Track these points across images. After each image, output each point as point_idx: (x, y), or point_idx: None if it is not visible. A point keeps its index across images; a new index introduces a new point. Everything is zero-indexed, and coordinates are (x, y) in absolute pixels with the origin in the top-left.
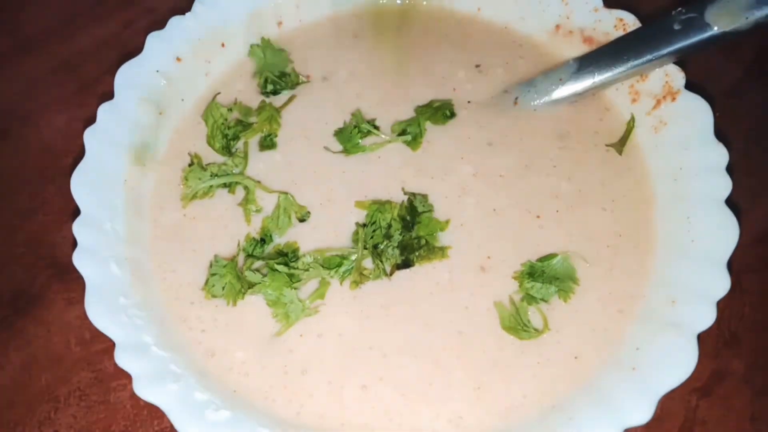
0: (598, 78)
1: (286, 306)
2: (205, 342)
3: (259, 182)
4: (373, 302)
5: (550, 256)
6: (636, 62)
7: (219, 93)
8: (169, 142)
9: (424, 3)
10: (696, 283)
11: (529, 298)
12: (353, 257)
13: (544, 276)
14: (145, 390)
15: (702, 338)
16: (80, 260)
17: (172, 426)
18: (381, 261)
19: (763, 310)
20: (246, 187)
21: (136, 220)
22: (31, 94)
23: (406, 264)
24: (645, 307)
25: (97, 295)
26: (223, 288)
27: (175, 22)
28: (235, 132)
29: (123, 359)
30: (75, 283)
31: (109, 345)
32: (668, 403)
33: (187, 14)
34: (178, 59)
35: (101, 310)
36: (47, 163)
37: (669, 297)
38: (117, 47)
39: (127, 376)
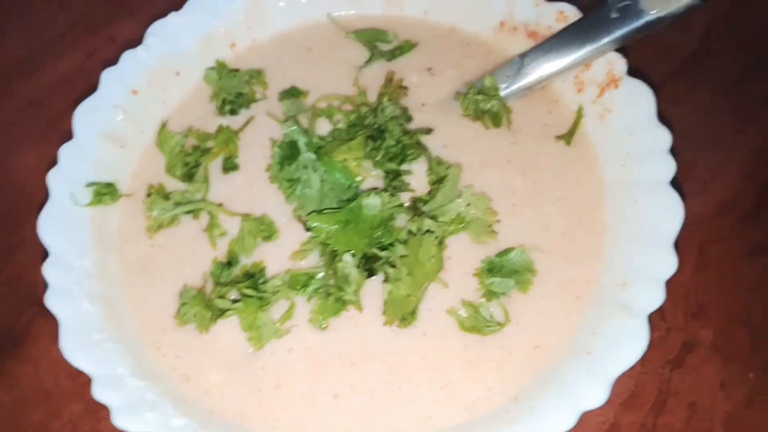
0: (543, 72)
1: (260, 329)
2: (180, 367)
3: (221, 206)
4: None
5: (508, 251)
6: (578, 54)
7: (167, 121)
8: (132, 175)
9: (375, 13)
10: (644, 265)
11: (490, 294)
12: (320, 276)
13: (503, 270)
14: (123, 420)
15: (670, 312)
16: (52, 301)
17: None
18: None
19: (728, 278)
20: (209, 212)
21: (105, 255)
22: None
23: (370, 273)
24: (599, 291)
25: (72, 333)
26: (195, 316)
27: (127, 55)
28: (195, 158)
29: (100, 392)
30: None
31: None
32: (642, 378)
33: (139, 47)
34: (134, 92)
35: (76, 347)
36: (21, 202)
37: (620, 280)
38: (81, 79)
39: None
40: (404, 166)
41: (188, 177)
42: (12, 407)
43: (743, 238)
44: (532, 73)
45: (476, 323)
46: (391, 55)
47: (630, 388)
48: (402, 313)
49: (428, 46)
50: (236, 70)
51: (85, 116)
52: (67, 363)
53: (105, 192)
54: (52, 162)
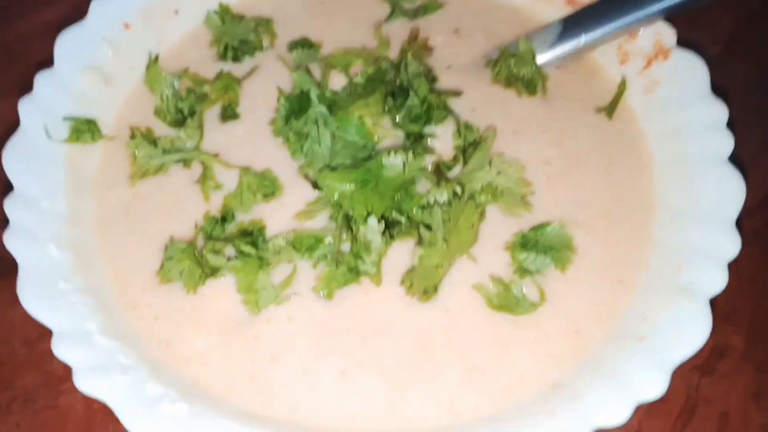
0: (584, 39)
1: (258, 292)
2: (159, 331)
3: (217, 156)
4: None
5: (544, 225)
6: (624, 21)
7: (158, 56)
8: (117, 116)
9: None
10: (703, 246)
11: (523, 271)
12: (328, 240)
13: (538, 246)
14: (86, 383)
15: None
16: (12, 241)
17: None
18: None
19: (760, 283)
20: (203, 162)
21: (79, 199)
22: None
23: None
24: (649, 274)
25: (32, 278)
26: (181, 273)
27: None
28: (189, 104)
29: (61, 348)
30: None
31: None
32: (670, 383)
33: None
34: (127, 26)
35: (36, 295)
36: None
37: (675, 263)
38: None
39: None
40: (428, 129)
41: (179, 123)
42: None
43: None
44: (572, 40)
45: (507, 301)
46: (414, 13)
47: None
48: (426, 284)
49: (455, 7)
50: (241, 17)
51: (68, 45)
52: (23, 329)
53: (84, 129)
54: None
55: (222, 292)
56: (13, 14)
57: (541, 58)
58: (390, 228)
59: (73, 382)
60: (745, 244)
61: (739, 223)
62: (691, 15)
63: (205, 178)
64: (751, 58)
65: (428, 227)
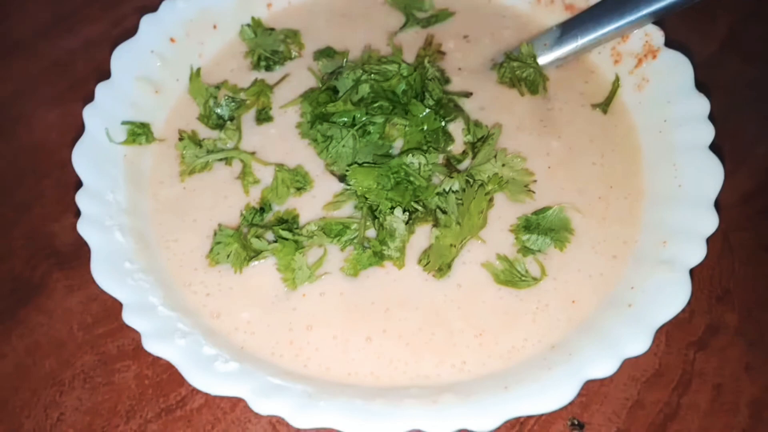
0: (580, 41)
1: (295, 272)
2: (210, 305)
3: (254, 154)
4: None
5: (545, 209)
6: (616, 24)
7: (200, 68)
8: (166, 121)
9: None
10: (685, 223)
11: (525, 250)
12: (354, 227)
13: (540, 228)
14: (154, 345)
15: (695, 295)
16: (84, 228)
17: (177, 402)
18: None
19: (752, 265)
20: (242, 160)
21: (137, 193)
22: (22, 93)
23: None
24: (637, 250)
25: (103, 259)
26: (228, 256)
27: (167, 4)
28: (229, 110)
29: (131, 318)
30: (75, 271)
31: (111, 327)
32: (666, 358)
33: None
34: (172, 40)
35: (107, 273)
36: (42, 158)
37: (660, 239)
38: (107, 46)
39: (131, 357)
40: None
41: (220, 126)
42: (24, 354)
43: (767, 228)
44: (570, 43)
45: (511, 277)
46: (427, 22)
47: (654, 367)
48: (441, 262)
49: (464, 15)
50: (272, 29)
51: (122, 58)
52: (81, 315)
53: (140, 132)
54: (73, 121)
55: (264, 271)
56: (62, 30)
57: (542, 60)
58: (410, 216)
59: (143, 345)
60: (739, 229)
61: (734, 210)
62: (688, 15)
63: (244, 174)
64: (747, 56)
65: (444, 212)
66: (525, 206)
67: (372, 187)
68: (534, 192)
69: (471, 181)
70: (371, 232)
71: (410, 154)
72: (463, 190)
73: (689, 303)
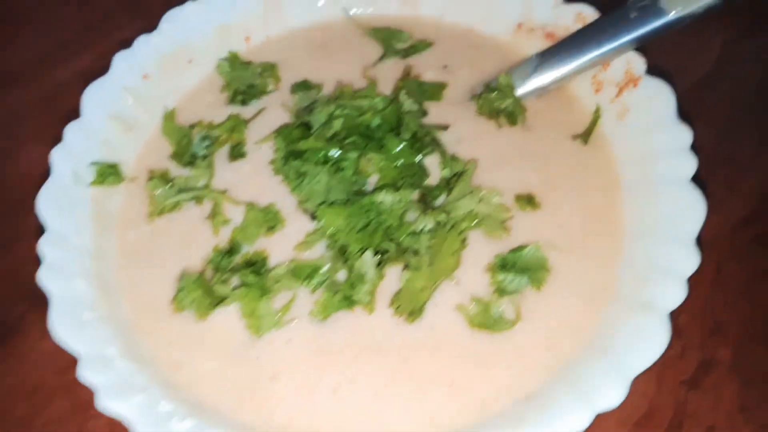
0: (560, 71)
1: (260, 318)
2: (172, 354)
3: (225, 193)
4: None
5: (521, 248)
6: (596, 53)
7: (174, 109)
8: (138, 159)
9: (391, 12)
10: (665, 262)
11: (501, 291)
12: (325, 268)
13: (516, 267)
14: (107, 402)
15: (687, 329)
16: (46, 276)
17: None
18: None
19: (745, 297)
20: (213, 199)
21: (104, 235)
22: (10, 127)
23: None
24: (616, 290)
25: (62, 309)
26: (192, 302)
27: (142, 40)
28: (202, 148)
29: (85, 372)
30: None
31: None
32: (657, 397)
33: (154, 32)
34: (146, 77)
35: (65, 325)
36: (26, 193)
37: (639, 278)
38: (94, 78)
39: None
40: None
41: (193, 164)
42: None
43: (761, 257)
44: (549, 72)
45: (486, 320)
46: (406, 53)
47: (643, 408)
48: (413, 306)
49: (444, 45)
50: (249, 63)
51: (94, 96)
52: (55, 358)
53: (109, 172)
54: None
55: (228, 318)
56: (49, 65)
57: (521, 90)
58: (382, 256)
59: (96, 403)
60: (732, 259)
61: (727, 239)
62: (679, 35)
63: (214, 214)
64: (741, 78)
65: (415, 253)
66: (502, 244)
67: (342, 227)
68: (511, 228)
69: (444, 220)
70: (343, 274)
71: (383, 192)
72: (432, 232)
73: (681, 338)
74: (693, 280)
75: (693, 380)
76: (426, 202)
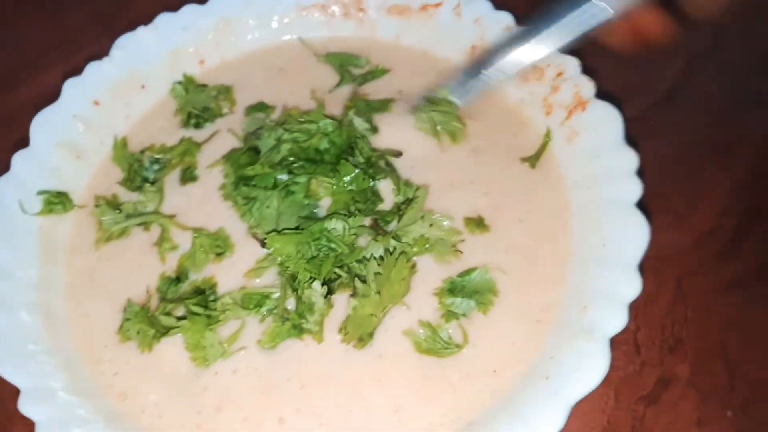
0: (495, 75)
1: (205, 350)
2: (118, 385)
3: (173, 218)
4: None
5: (469, 271)
6: (524, 47)
7: (124, 137)
8: (88, 186)
9: (347, 35)
10: (607, 288)
11: (449, 315)
12: (275, 296)
13: (465, 291)
14: None
15: (646, 345)
16: None
17: None
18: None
19: (705, 313)
20: (161, 225)
21: (50, 265)
22: None
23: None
24: (560, 315)
25: (5, 343)
26: (137, 333)
27: (93, 66)
28: (153, 172)
29: (26, 406)
30: None
31: None
32: (615, 413)
33: (105, 58)
34: (97, 103)
35: (7, 358)
36: None
37: (581, 303)
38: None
39: None
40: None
41: (142, 188)
42: None
43: (720, 272)
44: (479, 77)
45: (433, 345)
46: (363, 79)
47: (602, 424)
48: (361, 332)
49: (400, 71)
50: (204, 86)
51: (43, 124)
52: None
53: (56, 201)
54: None
55: (175, 348)
56: (12, 83)
57: (459, 98)
58: (331, 284)
59: None
60: (692, 274)
61: (688, 254)
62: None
63: (162, 240)
64: (703, 94)
65: (363, 280)
66: (452, 268)
67: (292, 255)
68: (461, 252)
69: (393, 246)
70: (292, 302)
71: (334, 218)
72: (379, 259)
73: (639, 354)
74: (653, 296)
75: (651, 396)
76: (377, 228)
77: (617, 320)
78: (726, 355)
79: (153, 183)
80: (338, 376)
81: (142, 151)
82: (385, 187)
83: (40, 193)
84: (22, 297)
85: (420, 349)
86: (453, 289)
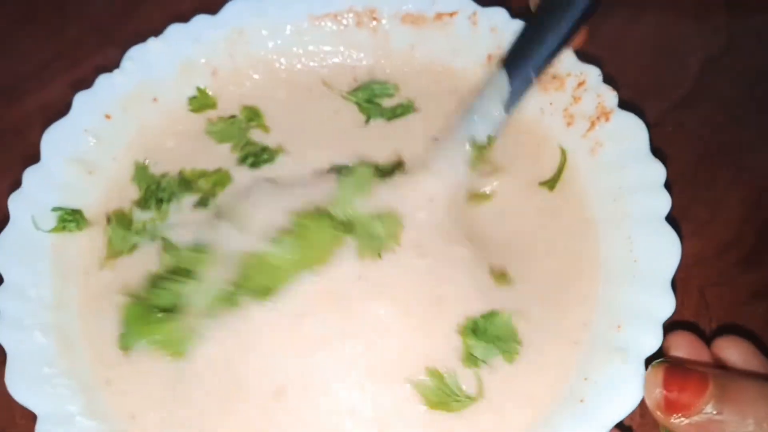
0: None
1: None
2: (127, 404)
3: None
4: None
5: (493, 314)
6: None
7: (145, 160)
8: (99, 203)
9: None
10: (640, 305)
11: (471, 359)
12: None
13: (487, 335)
14: None
15: None
16: (2, 332)
17: None
18: None
19: (728, 323)
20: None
21: (64, 284)
22: None
23: None
24: (592, 334)
25: (19, 366)
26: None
27: (103, 79)
28: (169, 193)
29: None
30: None
31: None
32: (641, 430)
33: (115, 71)
34: (108, 117)
35: (23, 383)
36: None
37: (614, 322)
38: (65, 108)
39: None
40: None
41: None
42: None
43: (744, 282)
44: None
45: (442, 396)
46: (392, 113)
47: None
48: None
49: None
50: (233, 117)
51: (53, 139)
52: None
53: (70, 219)
54: None
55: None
56: (17, 94)
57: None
58: None
59: None
60: (715, 284)
61: (710, 263)
62: (660, 54)
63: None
64: (720, 99)
65: None
66: (474, 306)
67: None
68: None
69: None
70: None
71: None
72: None
73: None
74: (677, 308)
75: None
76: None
77: (652, 340)
78: None
79: (168, 201)
80: None
81: (163, 175)
82: None
83: (55, 210)
84: (36, 317)
85: (429, 405)
86: (475, 330)
